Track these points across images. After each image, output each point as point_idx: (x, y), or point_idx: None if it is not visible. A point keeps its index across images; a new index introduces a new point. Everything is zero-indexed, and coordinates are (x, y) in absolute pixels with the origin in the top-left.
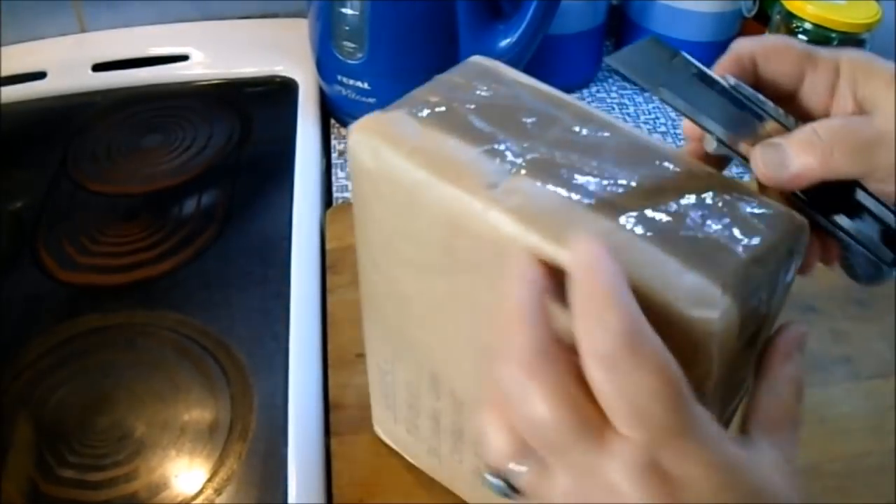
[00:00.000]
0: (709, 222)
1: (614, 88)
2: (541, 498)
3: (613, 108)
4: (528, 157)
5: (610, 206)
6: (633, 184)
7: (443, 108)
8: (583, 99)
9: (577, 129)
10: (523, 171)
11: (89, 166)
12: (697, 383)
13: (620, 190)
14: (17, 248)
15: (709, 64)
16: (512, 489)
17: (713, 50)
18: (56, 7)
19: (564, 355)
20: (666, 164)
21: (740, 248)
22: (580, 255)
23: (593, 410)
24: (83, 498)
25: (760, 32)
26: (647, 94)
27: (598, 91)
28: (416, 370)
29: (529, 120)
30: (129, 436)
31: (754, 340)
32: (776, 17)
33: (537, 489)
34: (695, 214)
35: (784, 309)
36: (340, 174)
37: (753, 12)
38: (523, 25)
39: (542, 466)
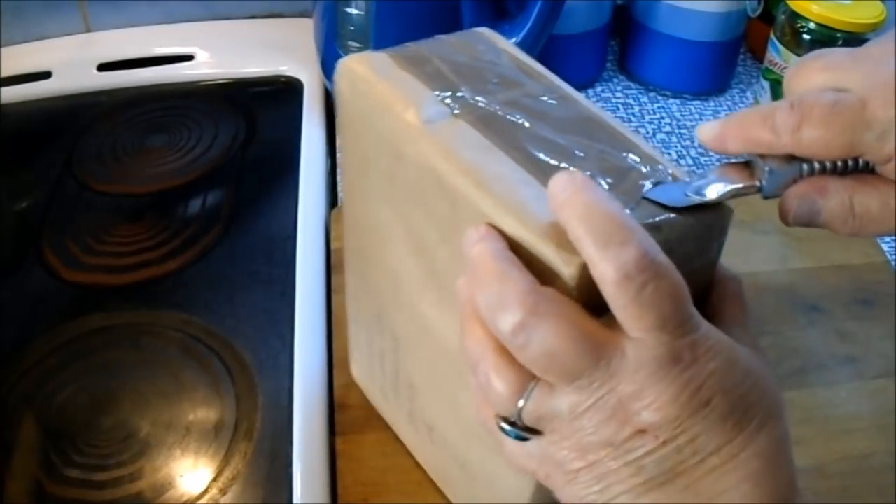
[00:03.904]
0: (622, 188)
1: (619, 88)
2: (544, 420)
3: (618, 108)
4: (475, 107)
5: (527, 158)
6: (561, 145)
7: (421, 58)
8: (588, 98)
9: (536, 96)
10: (460, 116)
11: (94, 166)
12: None
13: (545, 148)
14: (23, 248)
15: (709, 62)
16: (527, 430)
17: (718, 50)
18: (61, 7)
19: (553, 290)
20: (604, 136)
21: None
22: (567, 188)
23: (599, 330)
24: (88, 498)
25: (765, 32)
26: (651, 94)
27: (602, 91)
28: (369, 307)
29: (495, 81)
30: (134, 435)
31: None
32: (781, 17)
33: (541, 412)
34: (607, 179)
35: (788, 309)
36: None
37: (758, 12)
38: (528, 25)
39: (547, 389)
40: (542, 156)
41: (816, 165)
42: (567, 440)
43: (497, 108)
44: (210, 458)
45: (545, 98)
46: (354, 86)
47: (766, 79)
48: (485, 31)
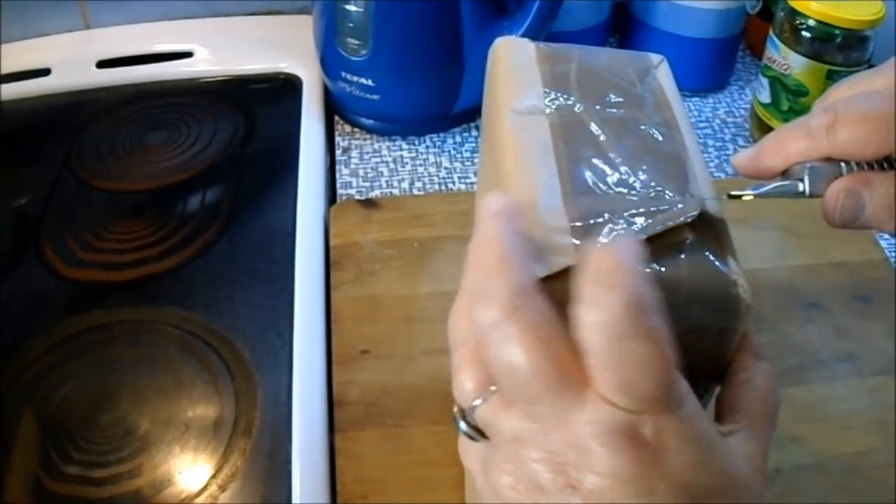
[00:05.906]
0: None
1: None
2: (490, 429)
3: None
4: (569, 113)
5: (572, 171)
6: (618, 171)
7: (563, 57)
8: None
9: (642, 123)
10: (549, 119)
11: (93, 163)
12: None
13: (598, 170)
14: (22, 245)
15: (708, 59)
16: (478, 432)
17: (717, 47)
18: (60, 4)
19: (545, 302)
20: (674, 177)
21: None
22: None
23: (571, 363)
24: (87, 494)
25: (764, 29)
26: None
27: None
28: None
29: (616, 99)
30: (133, 432)
31: None
32: (780, 14)
33: (489, 419)
34: (630, 215)
35: (787, 306)
36: (344, 171)
37: (757, 9)
38: (527, 22)
39: (504, 401)
40: (587, 174)
41: (855, 165)
42: (506, 462)
43: (590, 120)
44: (209, 455)
45: (646, 127)
46: (492, 63)
47: (764, 76)
48: (655, 58)
